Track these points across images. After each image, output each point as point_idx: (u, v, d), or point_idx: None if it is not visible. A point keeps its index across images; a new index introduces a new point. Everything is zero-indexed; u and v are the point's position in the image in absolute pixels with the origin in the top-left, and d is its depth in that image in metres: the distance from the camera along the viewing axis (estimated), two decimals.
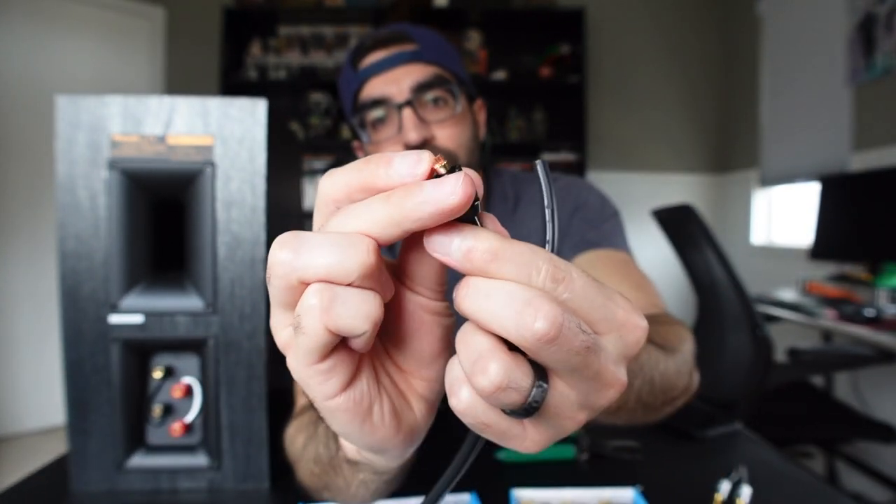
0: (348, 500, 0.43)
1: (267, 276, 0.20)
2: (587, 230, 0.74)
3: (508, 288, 0.18)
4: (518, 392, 0.18)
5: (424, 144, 0.69)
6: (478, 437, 0.21)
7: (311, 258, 0.18)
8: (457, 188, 0.18)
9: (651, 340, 0.50)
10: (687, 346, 0.56)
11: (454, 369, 0.20)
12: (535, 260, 0.18)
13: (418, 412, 0.25)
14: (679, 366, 0.53)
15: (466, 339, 0.19)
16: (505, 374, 0.18)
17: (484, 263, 0.18)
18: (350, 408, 0.22)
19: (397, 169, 0.19)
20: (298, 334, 0.19)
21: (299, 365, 0.20)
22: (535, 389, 0.18)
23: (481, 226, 0.20)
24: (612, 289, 0.20)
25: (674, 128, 3.12)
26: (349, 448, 0.35)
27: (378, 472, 0.36)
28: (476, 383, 0.18)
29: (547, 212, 0.20)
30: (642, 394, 0.49)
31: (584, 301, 0.19)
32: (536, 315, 0.17)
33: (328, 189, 0.21)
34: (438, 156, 0.19)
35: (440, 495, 0.23)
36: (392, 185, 0.19)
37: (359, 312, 0.19)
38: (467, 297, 0.18)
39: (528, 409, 0.19)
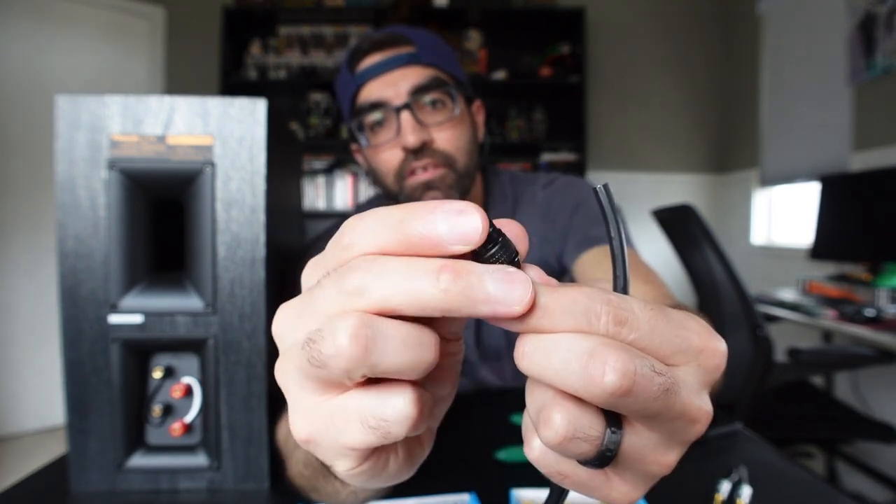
0: (323, 499, 0.43)
1: (312, 355, 0.17)
2: (590, 227, 0.74)
3: (567, 342, 0.16)
4: (588, 441, 0.17)
5: (423, 147, 0.69)
6: (561, 489, 0.20)
7: (383, 358, 0.17)
8: (525, 297, 0.16)
9: None
10: None
11: (527, 418, 0.19)
12: (591, 305, 0.17)
13: (425, 442, 0.24)
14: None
15: (532, 388, 0.18)
16: (570, 425, 0.16)
17: (536, 321, 0.17)
18: (367, 470, 0.21)
19: (446, 236, 0.16)
20: (371, 432, 0.18)
21: (343, 449, 0.19)
22: (607, 436, 0.17)
23: None
24: (680, 313, 0.18)
25: (674, 128, 3.12)
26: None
27: (371, 488, 0.37)
28: (542, 435, 0.17)
29: (614, 243, 0.18)
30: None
31: (653, 337, 0.17)
32: (604, 368, 0.15)
33: (356, 240, 0.18)
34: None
35: None
36: (441, 253, 0.17)
37: (419, 425, 0.18)
38: (525, 356, 0.17)
39: (602, 458, 0.17)
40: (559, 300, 0.17)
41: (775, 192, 2.73)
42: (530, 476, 0.55)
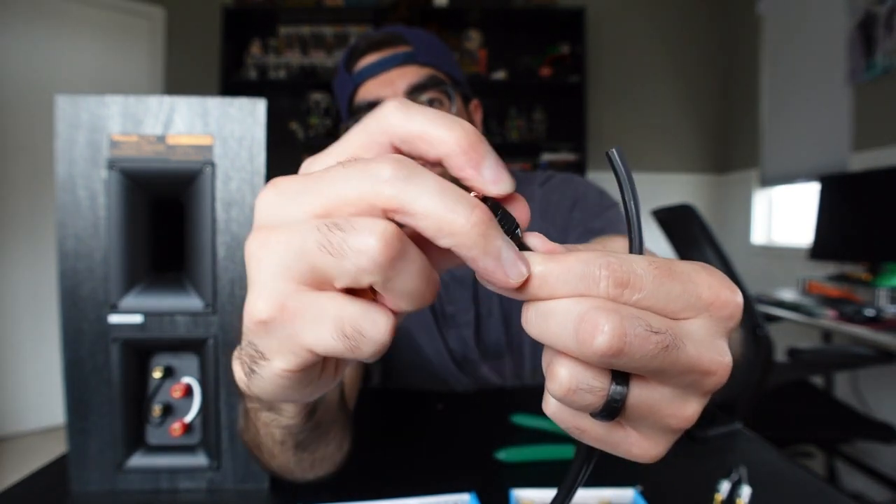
0: (266, 458, 0.43)
1: (330, 240, 0.16)
2: (590, 220, 0.74)
3: (564, 306, 0.17)
4: (591, 393, 0.17)
5: None
6: (589, 447, 0.20)
7: (398, 277, 0.17)
8: (518, 278, 0.17)
9: None
10: None
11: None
12: (590, 270, 0.17)
13: (334, 382, 0.23)
14: (738, 333, 0.52)
15: (546, 347, 0.19)
16: (573, 378, 0.17)
17: (536, 289, 0.17)
18: (296, 380, 0.20)
19: (483, 172, 0.18)
20: (342, 340, 0.17)
21: (297, 347, 0.18)
22: (612, 388, 0.18)
23: (526, 247, 0.19)
24: (690, 265, 0.18)
25: (674, 128, 3.12)
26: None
27: (273, 411, 0.35)
28: (548, 388, 0.18)
29: (629, 205, 0.19)
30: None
31: (658, 296, 0.17)
32: (595, 330, 0.16)
33: (396, 121, 0.19)
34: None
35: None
36: (459, 171, 0.18)
37: (380, 353, 0.18)
38: (529, 322, 0.18)
39: (608, 410, 0.18)
40: (554, 269, 0.17)
41: (775, 192, 2.73)
42: (530, 476, 0.55)
